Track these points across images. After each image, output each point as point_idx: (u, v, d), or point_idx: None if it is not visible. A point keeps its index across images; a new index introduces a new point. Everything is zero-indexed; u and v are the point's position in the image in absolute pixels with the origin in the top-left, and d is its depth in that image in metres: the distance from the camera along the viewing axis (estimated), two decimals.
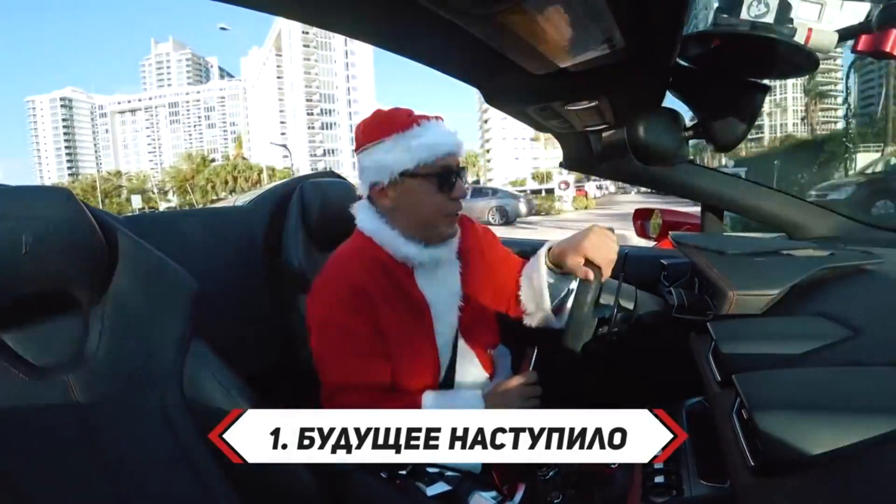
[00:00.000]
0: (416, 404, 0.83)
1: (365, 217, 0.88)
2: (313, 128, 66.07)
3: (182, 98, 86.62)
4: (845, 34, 0.66)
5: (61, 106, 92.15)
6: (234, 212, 1.34)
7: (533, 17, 0.49)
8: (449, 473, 0.77)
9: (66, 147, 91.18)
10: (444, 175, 0.82)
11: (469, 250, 0.96)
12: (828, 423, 0.45)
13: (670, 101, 0.89)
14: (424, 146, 0.81)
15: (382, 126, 0.84)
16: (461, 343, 0.92)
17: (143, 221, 1.18)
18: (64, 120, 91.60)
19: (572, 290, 0.90)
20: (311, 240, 1.17)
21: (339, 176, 1.36)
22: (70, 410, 0.66)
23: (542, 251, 0.93)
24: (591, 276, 0.82)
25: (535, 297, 0.94)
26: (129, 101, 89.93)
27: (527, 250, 1.08)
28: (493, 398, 0.85)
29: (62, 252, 0.64)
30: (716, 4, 0.65)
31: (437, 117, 0.86)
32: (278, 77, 66.52)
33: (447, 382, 0.90)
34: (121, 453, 0.67)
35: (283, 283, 1.16)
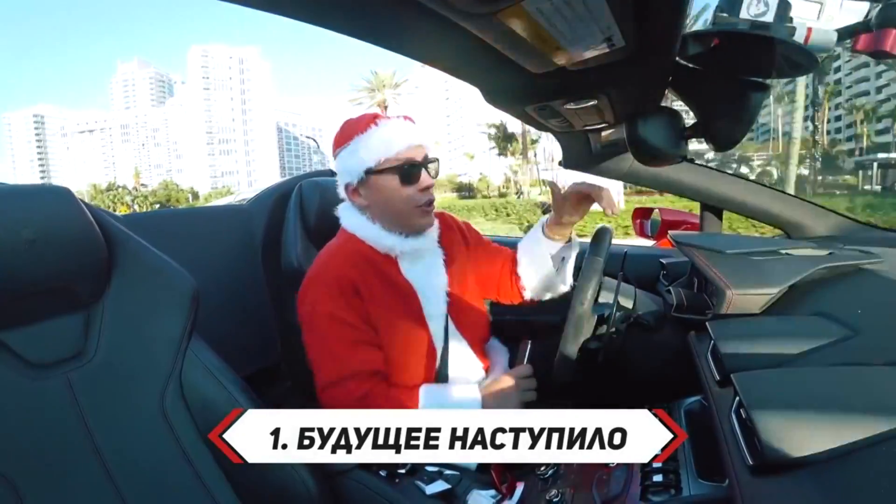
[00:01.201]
0: (411, 395, 0.83)
1: (347, 216, 0.93)
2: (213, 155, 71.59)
3: (132, 120, 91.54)
4: (845, 33, 0.66)
5: (34, 122, 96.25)
6: (233, 211, 1.33)
7: (533, 16, 0.48)
8: (448, 472, 0.77)
9: (40, 160, 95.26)
10: (407, 168, 0.86)
11: (451, 243, 1.00)
12: (826, 422, 0.45)
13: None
14: (382, 142, 0.85)
15: (347, 131, 0.89)
16: (454, 334, 0.95)
17: (143, 221, 1.18)
18: (37, 136, 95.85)
19: (573, 255, 0.95)
20: (310, 239, 1.17)
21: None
22: (70, 409, 0.66)
23: (541, 222, 0.98)
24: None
25: (536, 264, 0.97)
26: (86, 123, 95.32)
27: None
28: (490, 391, 0.86)
29: (62, 251, 0.64)
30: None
31: (403, 117, 0.90)
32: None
33: (442, 372, 0.91)
34: (120, 452, 0.67)
35: (282, 282, 1.16)
